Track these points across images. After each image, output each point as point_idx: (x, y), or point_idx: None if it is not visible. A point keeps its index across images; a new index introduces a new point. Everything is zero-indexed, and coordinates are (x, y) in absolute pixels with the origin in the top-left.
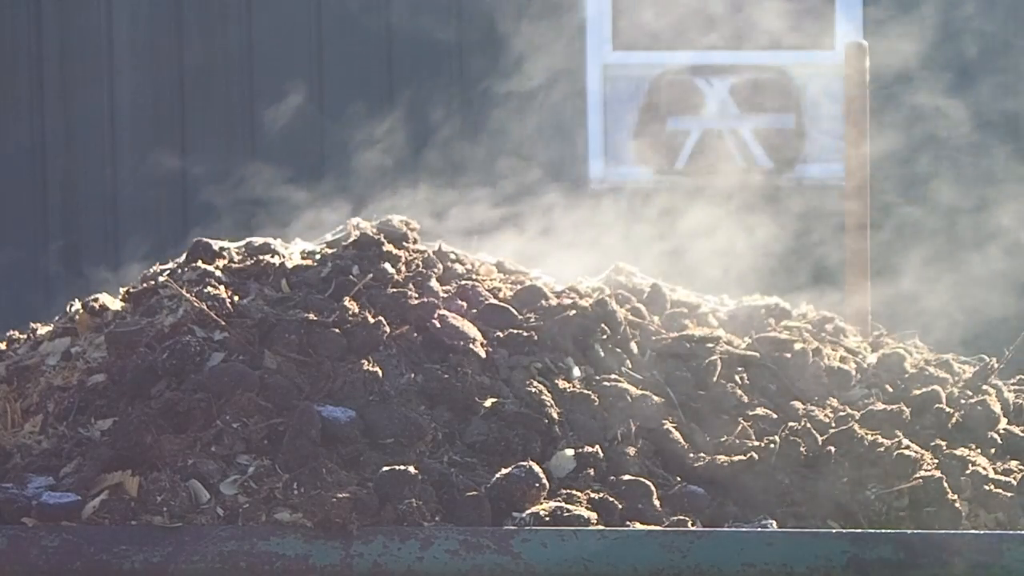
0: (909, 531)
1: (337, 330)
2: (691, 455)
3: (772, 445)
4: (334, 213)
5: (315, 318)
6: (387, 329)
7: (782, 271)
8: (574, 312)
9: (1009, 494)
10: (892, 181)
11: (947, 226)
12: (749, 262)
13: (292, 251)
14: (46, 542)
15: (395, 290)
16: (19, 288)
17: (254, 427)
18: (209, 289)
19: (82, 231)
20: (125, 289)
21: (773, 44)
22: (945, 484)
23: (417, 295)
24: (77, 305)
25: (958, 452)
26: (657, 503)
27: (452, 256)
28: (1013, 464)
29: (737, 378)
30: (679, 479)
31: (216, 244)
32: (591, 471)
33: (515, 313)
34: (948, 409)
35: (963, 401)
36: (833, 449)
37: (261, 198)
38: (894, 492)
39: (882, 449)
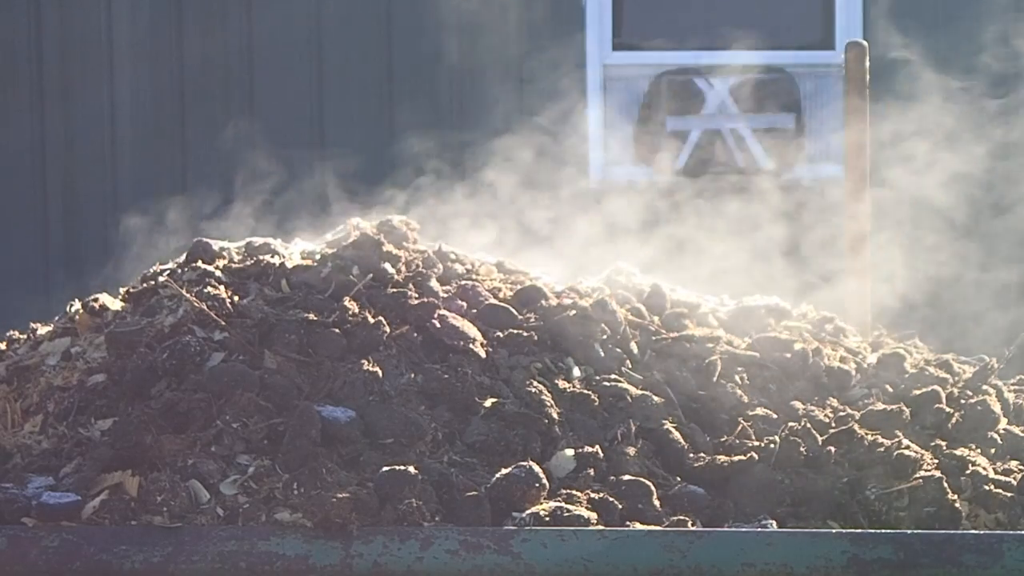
0: (909, 531)
1: (337, 330)
2: (691, 455)
3: (772, 445)
4: (333, 213)
5: (315, 318)
6: (387, 329)
7: (782, 271)
8: (574, 312)
9: (1009, 494)
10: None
11: None
12: (749, 262)
13: (292, 251)
14: (46, 542)
15: (395, 290)
16: (19, 288)
17: (254, 427)
18: (209, 289)
19: (82, 231)
20: (125, 289)
21: (773, 44)
22: (945, 484)
23: (417, 295)
24: (77, 305)
25: (958, 452)
26: (657, 503)
27: (452, 256)
28: (1013, 464)
29: (737, 378)
30: (679, 479)
31: (216, 244)
32: (591, 471)
33: (515, 313)
34: (948, 409)
35: (963, 401)
36: (833, 449)
37: (261, 198)
38: (894, 492)
39: (882, 449)
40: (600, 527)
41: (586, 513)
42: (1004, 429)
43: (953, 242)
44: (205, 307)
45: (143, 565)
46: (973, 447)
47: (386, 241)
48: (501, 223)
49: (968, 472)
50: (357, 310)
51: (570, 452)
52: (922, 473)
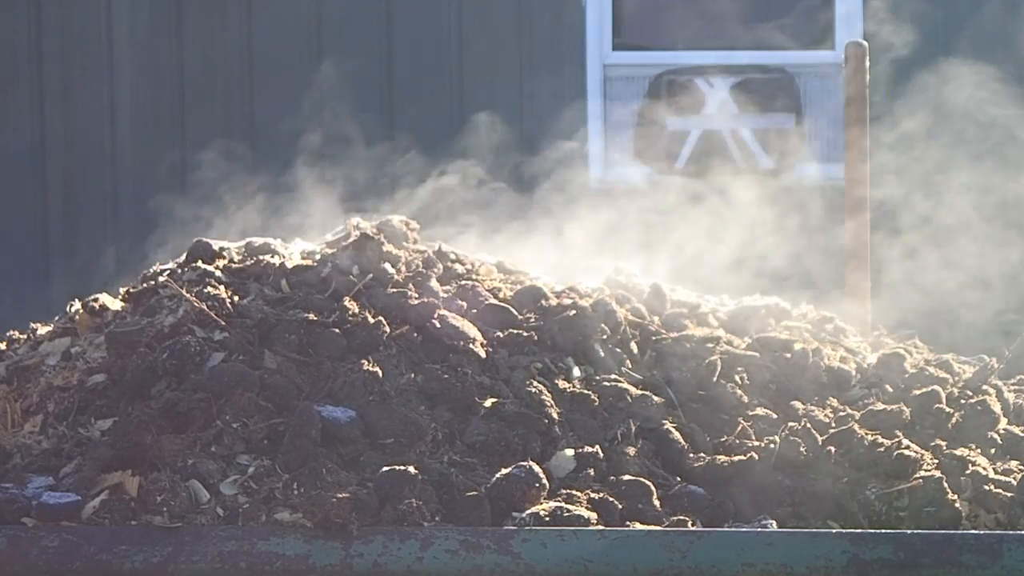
0: (909, 531)
1: (337, 330)
2: (691, 455)
3: (772, 445)
4: (334, 214)
5: (315, 318)
6: (387, 329)
7: (782, 271)
8: (574, 312)
9: (1009, 494)
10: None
11: None
12: (749, 262)
13: (292, 251)
14: (46, 542)
15: (395, 290)
16: (19, 288)
17: (254, 427)
18: (209, 289)
19: (82, 231)
20: (125, 289)
21: (773, 44)
22: (945, 484)
23: (417, 295)
24: (77, 305)
25: (958, 452)
26: (657, 503)
27: (452, 256)
28: (1013, 464)
29: (737, 378)
30: (679, 479)
31: (216, 244)
32: (591, 471)
33: (515, 313)
34: (948, 409)
35: (963, 401)
36: (833, 449)
37: (261, 198)
38: (894, 492)
39: (882, 449)
40: (600, 527)
41: (586, 513)
42: (1004, 429)
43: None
44: (205, 307)
45: (143, 565)
46: (973, 447)
47: (386, 241)
48: (501, 223)
49: (968, 472)
50: (357, 310)
51: (570, 452)
52: (922, 473)
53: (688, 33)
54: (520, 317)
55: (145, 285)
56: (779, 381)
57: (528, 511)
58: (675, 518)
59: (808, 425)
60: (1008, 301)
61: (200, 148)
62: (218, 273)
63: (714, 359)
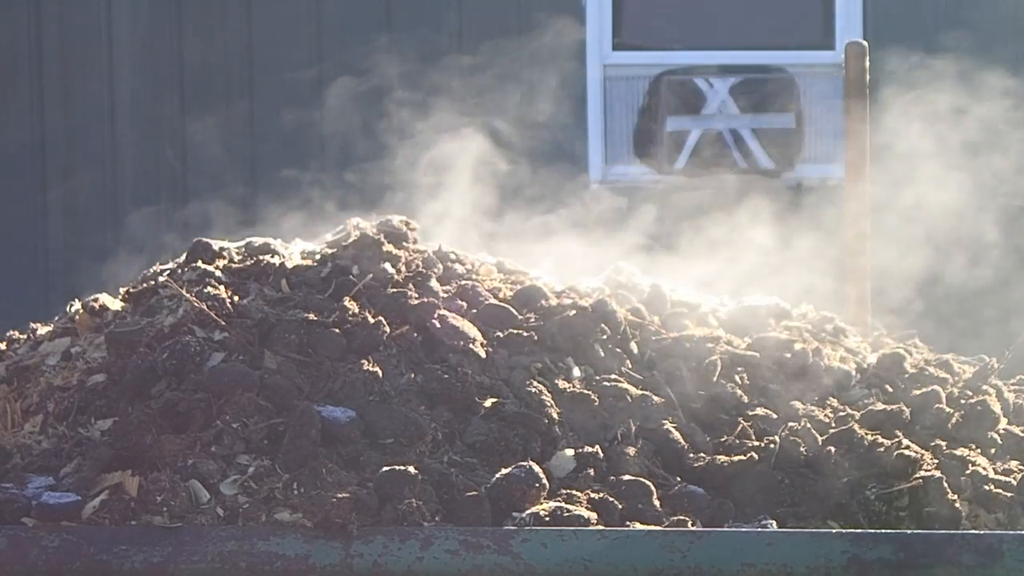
0: (909, 531)
1: (337, 330)
2: (691, 455)
3: (772, 445)
4: (334, 214)
5: (315, 318)
6: (387, 329)
7: (781, 271)
8: (574, 312)
9: (1009, 494)
10: None
11: None
12: (748, 262)
13: (292, 251)
14: (46, 542)
15: (395, 290)
16: (19, 288)
17: (254, 427)
18: (209, 289)
19: (82, 231)
20: (125, 289)
21: (773, 44)
22: (945, 484)
23: (417, 295)
24: (77, 305)
25: (958, 452)
26: (657, 503)
27: (452, 256)
28: (1013, 464)
29: (737, 378)
30: (679, 479)
31: (216, 244)
32: (591, 471)
33: (515, 313)
34: (948, 409)
35: (963, 401)
36: (833, 449)
37: (261, 198)
38: (894, 492)
39: (882, 449)
40: (600, 527)
41: (586, 513)
42: (1004, 429)
43: None
44: (205, 307)
45: (143, 565)
46: (973, 447)
47: (386, 241)
48: (501, 223)
49: (968, 472)
50: (357, 310)
51: (570, 452)
52: (922, 473)
53: (688, 33)
54: (520, 317)
55: (145, 285)
56: (779, 381)
57: (528, 511)
58: (675, 518)
59: (808, 425)
60: None
61: (200, 148)
62: (218, 273)
63: (714, 359)
